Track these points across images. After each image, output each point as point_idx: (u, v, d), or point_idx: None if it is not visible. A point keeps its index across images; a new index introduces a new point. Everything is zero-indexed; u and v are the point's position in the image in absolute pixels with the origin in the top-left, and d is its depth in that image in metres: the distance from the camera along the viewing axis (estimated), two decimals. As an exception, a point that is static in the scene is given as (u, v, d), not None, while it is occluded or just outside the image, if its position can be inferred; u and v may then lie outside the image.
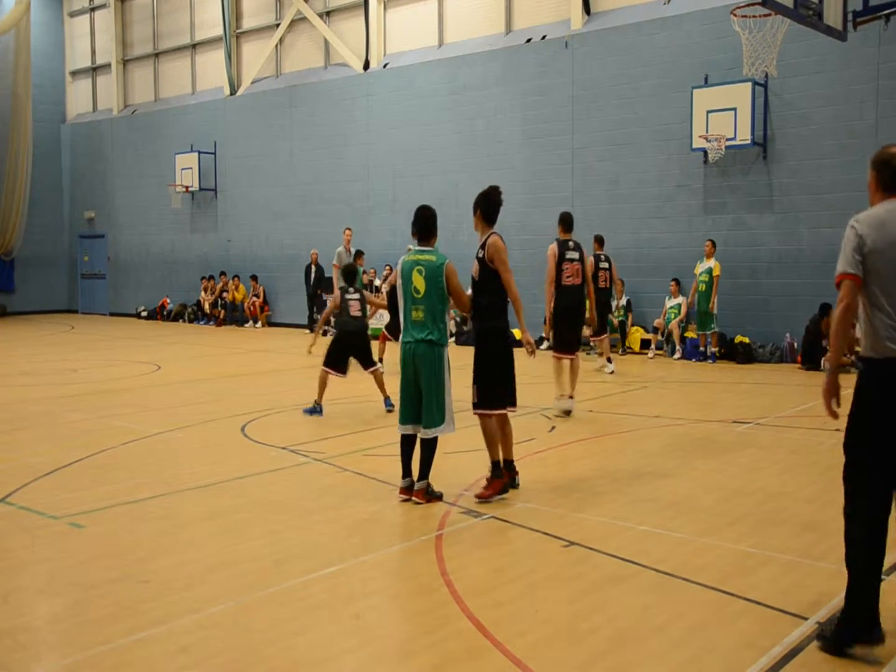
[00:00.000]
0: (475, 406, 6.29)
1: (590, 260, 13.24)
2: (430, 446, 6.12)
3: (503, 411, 6.30)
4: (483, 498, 6.14)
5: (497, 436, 6.29)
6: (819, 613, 4.18)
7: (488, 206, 6.41)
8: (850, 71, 13.75)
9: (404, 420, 6.20)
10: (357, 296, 9.75)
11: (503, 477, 6.26)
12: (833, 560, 4.94)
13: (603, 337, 13.24)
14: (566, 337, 9.64)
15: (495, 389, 6.25)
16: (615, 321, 15.82)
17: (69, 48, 28.61)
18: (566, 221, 9.88)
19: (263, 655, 3.80)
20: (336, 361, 9.59)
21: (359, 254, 15.03)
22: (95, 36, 27.77)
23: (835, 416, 4.12)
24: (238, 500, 6.30)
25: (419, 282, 6.03)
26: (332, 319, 10.90)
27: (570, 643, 3.91)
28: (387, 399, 9.77)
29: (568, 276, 9.49)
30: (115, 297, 27.16)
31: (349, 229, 16.65)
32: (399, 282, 6.19)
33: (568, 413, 9.45)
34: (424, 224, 6.22)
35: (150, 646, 3.92)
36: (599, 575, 4.75)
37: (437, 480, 6.31)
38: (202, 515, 5.93)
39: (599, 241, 13.90)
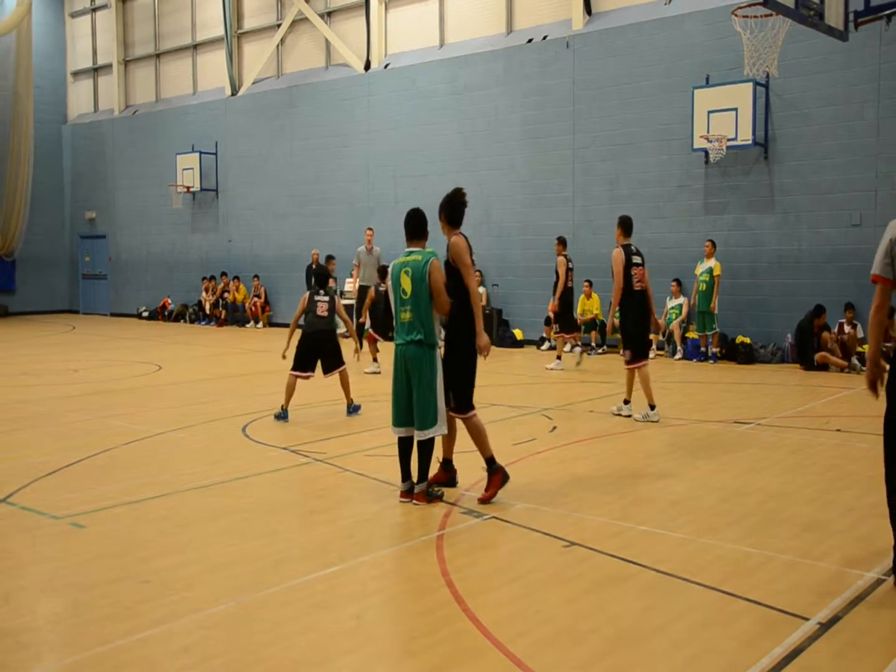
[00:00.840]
0: (457, 410, 6.29)
1: (560, 260, 13.68)
2: (426, 448, 6.12)
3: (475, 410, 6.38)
4: (487, 500, 6.14)
5: (485, 433, 6.29)
6: (820, 614, 4.18)
7: (451, 209, 6.34)
8: (852, 71, 13.76)
9: (397, 422, 6.19)
10: (326, 298, 9.61)
11: (499, 471, 6.23)
12: (834, 560, 4.94)
13: (574, 334, 14.16)
14: (642, 344, 9.39)
15: (470, 390, 6.35)
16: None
17: (70, 49, 28.63)
18: (627, 224, 9.54)
19: (264, 655, 3.80)
20: (302, 363, 9.46)
21: (329, 259, 15.03)
22: (97, 36, 27.79)
23: (877, 395, 4.69)
24: (239, 500, 6.30)
25: (406, 283, 6.06)
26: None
27: (570, 643, 3.91)
28: (350, 404, 9.72)
29: (638, 282, 9.28)
30: (116, 297, 27.18)
31: (370, 229, 16.63)
32: (389, 285, 6.22)
33: (628, 416, 9.34)
34: (414, 225, 6.24)
35: (150, 646, 3.92)
36: (600, 575, 4.75)
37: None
38: (203, 516, 5.93)
39: (563, 242, 14.13)
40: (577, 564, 4.92)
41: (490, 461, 6.28)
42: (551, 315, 16.41)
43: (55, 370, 13.91)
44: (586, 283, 16.21)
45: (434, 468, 6.48)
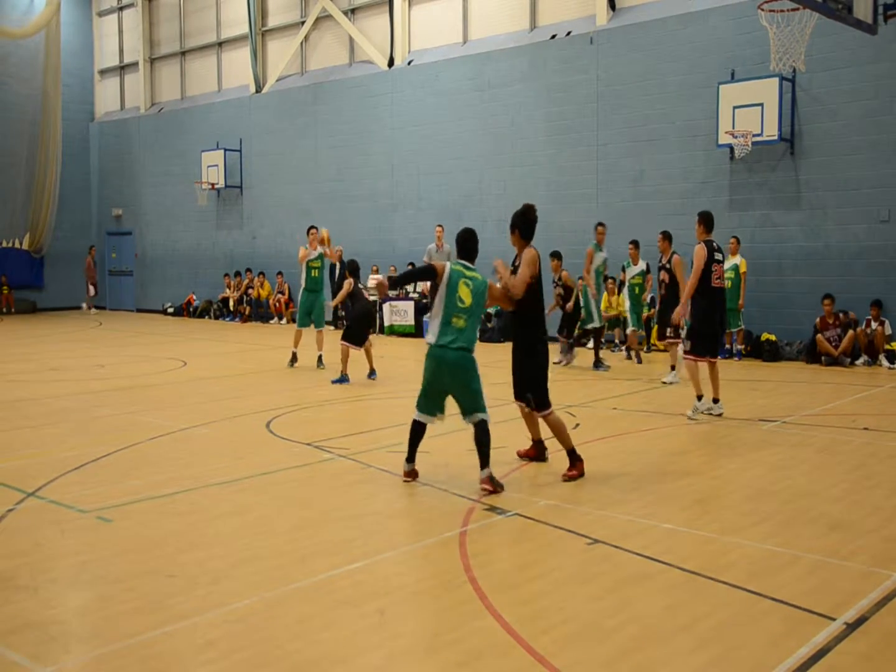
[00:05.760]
0: (540, 408, 6.78)
1: (677, 259, 12.12)
2: (485, 433, 6.26)
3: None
4: (569, 479, 6.61)
5: (564, 425, 6.87)
6: (847, 614, 4.14)
7: (526, 224, 6.79)
8: (880, 65, 13.58)
9: (425, 411, 6.47)
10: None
11: (581, 459, 6.75)
12: (861, 560, 4.89)
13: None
14: (706, 340, 9.22)
15: (546, 388, 6.82)
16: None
17: (98, 47, 28.89)
18: (709, 220, 9.36)
19: (288, 650, 3.83)
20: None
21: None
22: (123, 35, 28.02)
23: None
24: (263, 495, 6.34)
25: (466, 294, 6.34)
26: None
27: (594, 641, 3.90)
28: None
29: (717, 278, 9.17)
30: (142, 293, 27.41)
31: (440, 226, 17.33)
32: (444, 286, 6.33)
33: (719, 415, 9.20)
34: (471, 247, 6.62)
35: (176, 639, 3.96)
36: (624, 573, 4.73)
37: (461, 477, 6.31)
38: (228, 511, 5.97)
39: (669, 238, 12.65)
40: (600, 562, 4.91)
41: (571, 452, 6.74)
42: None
43: (82, 366, 14.05)
44: (611, 280, 16.13)
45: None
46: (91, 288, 26.56)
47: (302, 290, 13.48)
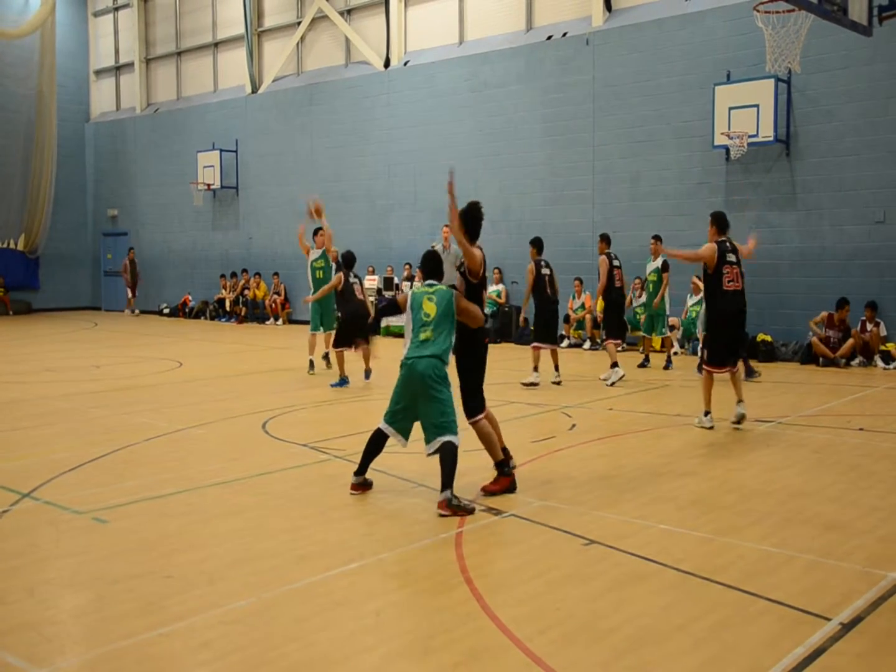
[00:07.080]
0: (471, 414, 6.36)
1: (602, 259, 12.20)
2: (452, 455, 5.91)
3: (486, 411, 6.46)
4: (489, 492, 6.23)
5: (494, 436, 6.37)
6: (842, 614, 4.15)
7: (471, 222, 6.50)
8: (876, 66, 13.62)
9: (391, 421, 6.19)
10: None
11: (511, 476, 6.35)
12: (856, 560, 4.90)
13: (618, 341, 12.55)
14: (723, 349, 8.65)
15: (480, 394, 6.44)
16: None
17: (93, 47, 28.84)
18: (721, 221, 8.83)
19: (284, 651, 3.82)
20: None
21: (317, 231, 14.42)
22: (119, 35, 27.98)
23: None
24: (259, 496, 6.34)
25: (430, 308, 6.19)
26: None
27: (590, 641, 3.90)
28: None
29: (729, 281, 8.58)
30: (139, 294, 27.35)
31: (448, 226, 16.58)
32: (409, 308, 6.27)
33: (741, 420, 8.64)
34: (433, 267, 6.47)
35: (172, 640, 3.95)
36: (620, 573, 4.74)
37: (456, 478, 6.28)
38: (224, 511, 5.97)
39: (606, 239, 12.36)
40: (596, 562, 4.91)
41: (500, 464, 6.34)
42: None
43: (78, 367, 14.03)
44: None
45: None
46: (128, 290, 26.22)
47: (311, 292, 13.04)
